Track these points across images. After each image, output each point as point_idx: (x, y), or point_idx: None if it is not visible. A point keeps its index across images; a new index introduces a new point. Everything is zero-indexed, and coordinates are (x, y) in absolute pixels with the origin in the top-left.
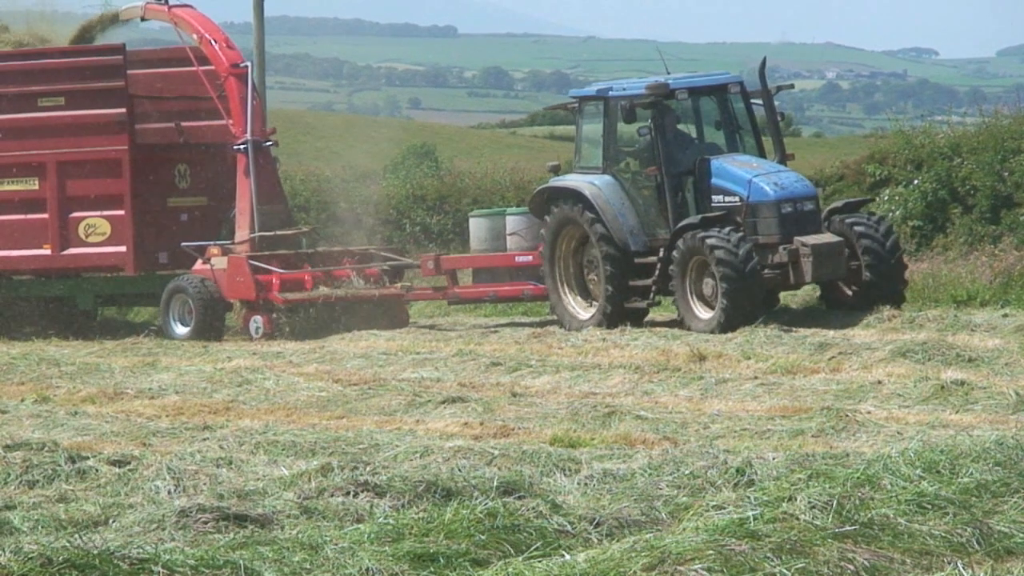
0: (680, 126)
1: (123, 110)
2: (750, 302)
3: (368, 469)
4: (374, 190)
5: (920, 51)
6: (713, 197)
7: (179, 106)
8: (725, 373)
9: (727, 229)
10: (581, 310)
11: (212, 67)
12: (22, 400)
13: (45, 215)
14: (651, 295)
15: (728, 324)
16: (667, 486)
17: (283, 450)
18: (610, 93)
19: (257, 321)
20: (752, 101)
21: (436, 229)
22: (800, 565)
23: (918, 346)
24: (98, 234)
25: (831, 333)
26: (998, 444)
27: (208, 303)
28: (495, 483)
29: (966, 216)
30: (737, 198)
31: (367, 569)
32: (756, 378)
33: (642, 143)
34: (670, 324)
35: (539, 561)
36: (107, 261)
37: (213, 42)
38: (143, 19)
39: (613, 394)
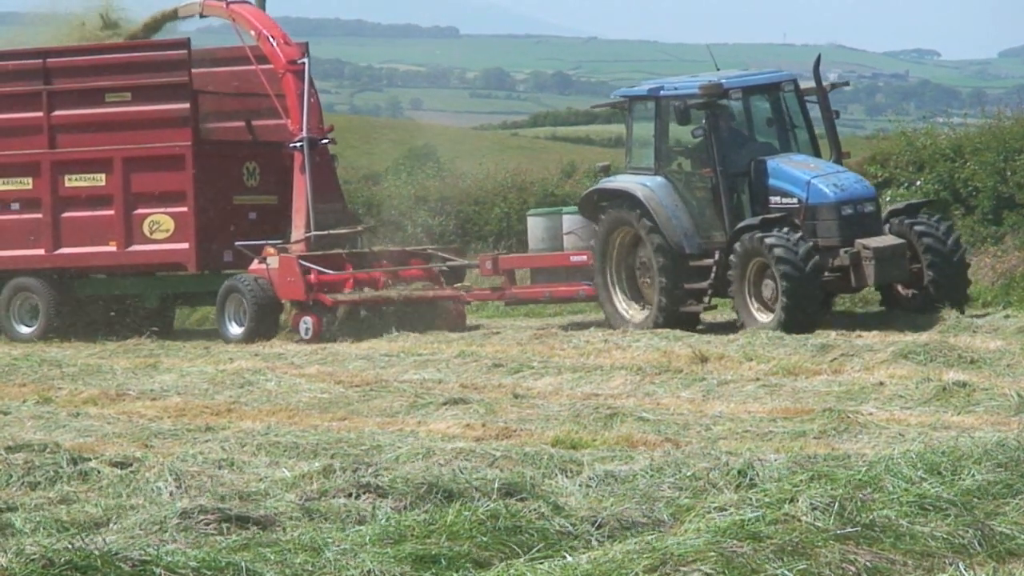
0: (735, 125)
1: (187, 105)
2: (811, 304)
3: (370, 470)
4: (375, 191)
5: (922, 52)
6: (770, 199)
7: (251, 104)
8: (727, 374)
9: (787, 230)
10: (633, 313)
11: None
12: (24, 401)
13: (111, 211)
14: (707, 298)
15: (788, 326)
16: (669, 487)
17: (285, 451)
18: (662, 93)
19: (307, 322)
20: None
21: (438, 230)
22: (802, 566)
23: (920, 347)
24: (162, 231)
25: (833, 334)
26: (1000, 446)
27: (261, 303)
28: (497, 484)
29: (968, 217)
30: (795, 200)
31: (369, 571)
32: (758, 379)
33: (695, 143)
34: (674, 325)
35: (541, 563)
36: (170, 258)
37: (271, 39)
38: (202, 15)
39: (615, 395)
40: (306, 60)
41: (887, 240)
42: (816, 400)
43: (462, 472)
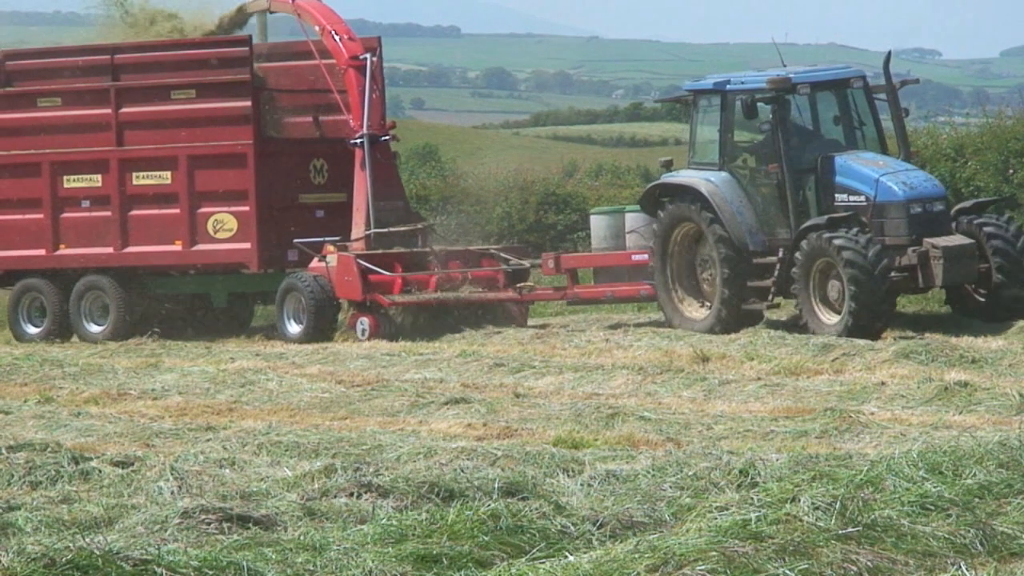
0: (800, 121)
1: (248, 103)
2: (879, 306)
3: (371, 470)
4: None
5: (923, 52)
6: (837, 196)
7: (322, 99)
8: (728, 374)
9: (855, 231)
10: (693, 311)
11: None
12: (25, 401)
13: (176, 210)
14: (770, 297)
15: (855, 329)
16: (670, 487)
17: (286, 451)
18: (728, 87)
19: (364, 322)
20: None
21: (439, 230)
22: (803, 566)
23: (921, 347)
24: (225, 230)
25: (834, 334)
26: (1001, 445)
27: (320, 302)
28: (498, 484)
29: None
30: (863, 197)
31: (370, 570)
32: (759, 379)
33: (760, 138)
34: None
35: (542, 562)
36: (233, 258)
37: (335, 34)
38: (270, 11)
39: (616, 395)
40: (368, 56)
41: (956, 240)
42: (818, 400)
43: (463, 472)
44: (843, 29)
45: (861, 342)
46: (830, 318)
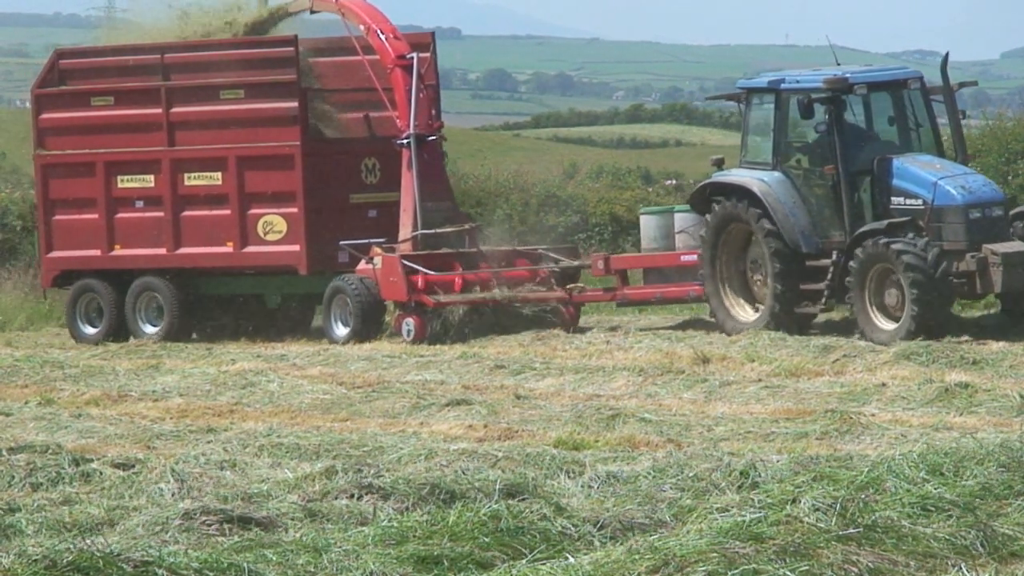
0: (853, 121)
1: (295, 104)
2: (940, 313)
3: (372, 472)
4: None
5: (924, 53)
6: (893, 199)
7: (371, 96)
8: (729, 375)
9: (924, 242)
10: (743, 313)
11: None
12: (26, 403)
13: (227, 211)
14: (824, 300)
15: (915, 336)
16: (671, 488)
17: (287, 452)
18: (783, 86)
19: (409, 323)
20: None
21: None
22: (804, 568)
23: (922, 348)
24: (275, 232)
25: (835, 336)
26: (1002, 447)
27: (366, 304)
28: (499, 485)
29: None
30: (920, 201)
31: (371, 572)
32: (760, 380)
33: (814, 139)
34: (671, 327)
35: (543, 564)
36: (282, 260)
37: (380, 33)
38: (312, 11)
39: (617, 396)
40: (415, 55)
41: (1015, 246)
42: (818, 401)
43: (464, 473)
44: (844, 31)
45: (862, 343)
46: (887, 325)
